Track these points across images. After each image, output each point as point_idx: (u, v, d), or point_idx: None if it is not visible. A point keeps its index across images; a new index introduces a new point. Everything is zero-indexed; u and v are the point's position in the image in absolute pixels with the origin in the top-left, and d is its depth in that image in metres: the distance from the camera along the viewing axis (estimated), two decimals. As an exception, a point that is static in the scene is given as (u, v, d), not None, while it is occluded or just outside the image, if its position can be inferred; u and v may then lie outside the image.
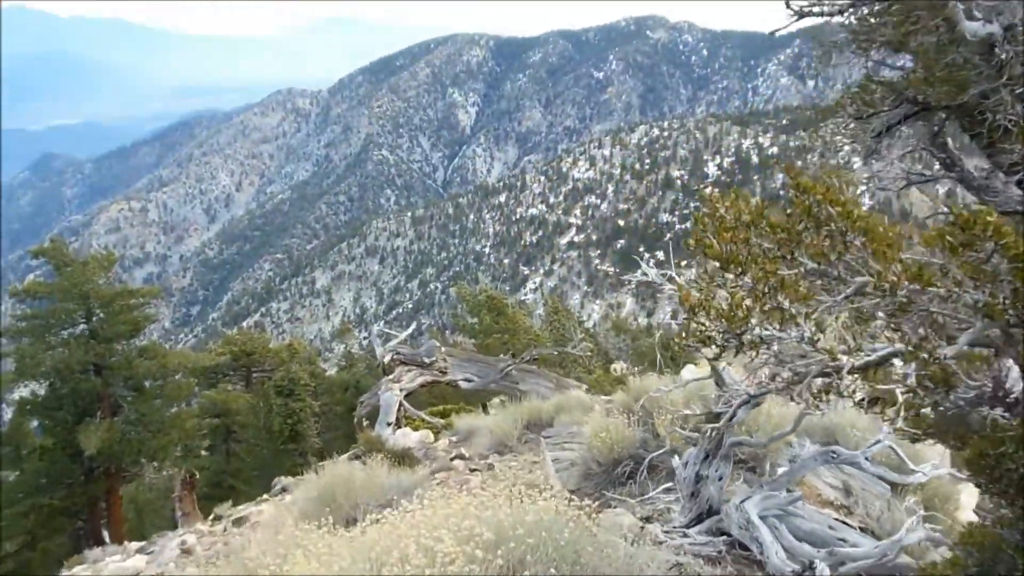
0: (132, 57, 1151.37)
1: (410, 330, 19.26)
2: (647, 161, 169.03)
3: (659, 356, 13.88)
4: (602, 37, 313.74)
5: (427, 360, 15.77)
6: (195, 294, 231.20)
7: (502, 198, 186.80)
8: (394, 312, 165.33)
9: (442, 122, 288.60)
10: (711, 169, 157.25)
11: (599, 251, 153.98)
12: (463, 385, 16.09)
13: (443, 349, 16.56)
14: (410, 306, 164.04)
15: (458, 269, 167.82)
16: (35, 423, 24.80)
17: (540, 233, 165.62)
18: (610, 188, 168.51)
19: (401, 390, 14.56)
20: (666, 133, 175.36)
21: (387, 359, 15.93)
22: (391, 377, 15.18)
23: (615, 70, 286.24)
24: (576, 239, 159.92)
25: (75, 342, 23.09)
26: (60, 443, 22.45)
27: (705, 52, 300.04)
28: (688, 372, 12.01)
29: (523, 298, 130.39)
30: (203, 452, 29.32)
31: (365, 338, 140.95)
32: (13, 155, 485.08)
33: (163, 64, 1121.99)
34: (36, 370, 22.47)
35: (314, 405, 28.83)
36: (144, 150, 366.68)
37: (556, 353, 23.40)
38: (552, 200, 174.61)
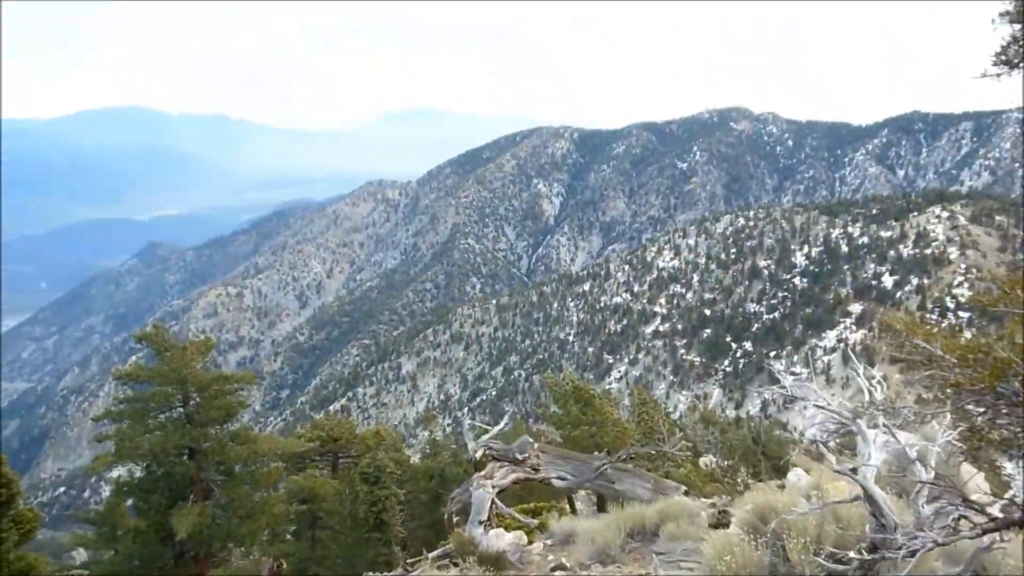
0: (230, 150, 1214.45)
1: (502, 425, 18.86)
2: (732, 251, 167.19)
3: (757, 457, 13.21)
4: (685, 129, 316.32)
5: (520, 456, 15.35)
6: (285, 378, 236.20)
7: (586, 286, 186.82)
8: (478, 399, 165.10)
9: (527, 212, 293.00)
10: (799, 259, 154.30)
11: (685, 340, 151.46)
12: (557, 484, 15.59)
13: (536, 445, 16.12)
14: (494, 393, 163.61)
15: (542, 357, 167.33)
16: (129, 504, 25.12)
17: (624, 322, 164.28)
18: (695, 277, 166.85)
19: (493, 487, 14.16)
20: (752, 223, 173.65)
21: (479, 454, 15.58)
22: (483, 473, 14.81)
23: (699, 161, 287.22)
24: (661, 328, 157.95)
25: (172, 426, 23.45)
26: (153, 525, 22.59)
27: (790, 142, 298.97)
28: (796, 476, 11.20)
29: (608, 387, 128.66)
30: (288, 537, 29.19)
31: (449, 425, 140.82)
32: (123, 244, 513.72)
33: (258, 156, 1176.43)
34: (134, 452, 22.80)
35: (399, 493, 28.47)
36: (241, 239, 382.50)
37: (654, 453, 22.57)
38: (636, 289, 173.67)
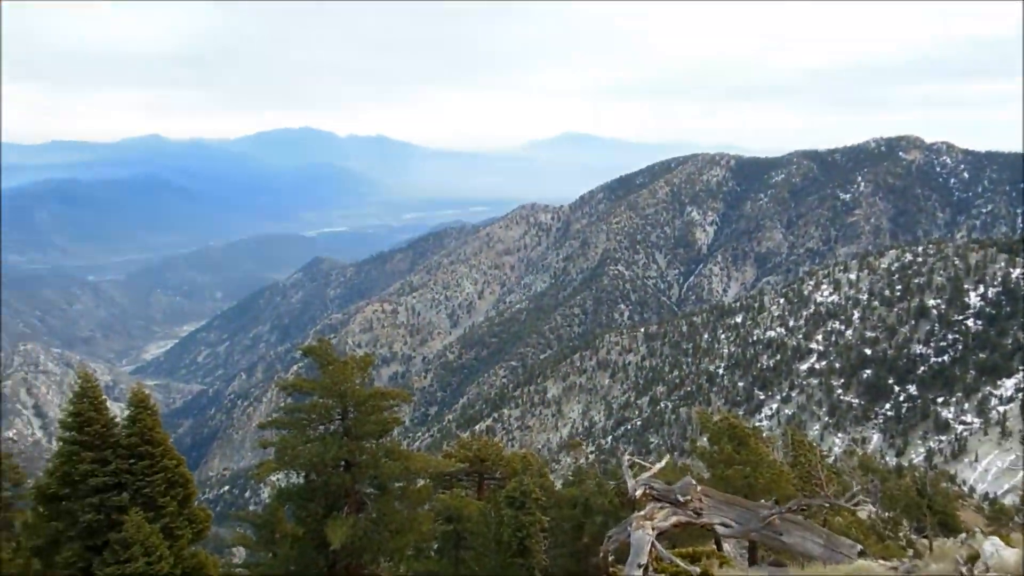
0: (393, 171, 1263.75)
1: (662, 464, 18.16)
2: (898, 288, 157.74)
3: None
4: (849, 158, 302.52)
5: (681, 498, 14.69)
6: (434, 395, 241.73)
7: (738, 319, 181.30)
8: (622, 428, 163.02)
9: (679, 240, 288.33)
10: (973, 299, 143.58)
11: (842, 380, 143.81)
12: (720, 530, 14.80)
13: (699, 488, 15.37)
14: (639, 423, 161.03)
15: (690, 389, 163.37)
16: (288, 509, 26.00)
17: (778, 357, 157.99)
18: (856, 314, 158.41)
19: (653, 529, 13.57)
20: (920, 259, 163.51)
21: (639, 493, 15.01)
22: (642, 513, 14.25)
23: (863, 192, 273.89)
24: (817, 366, 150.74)
25: (330, 438, 24.17)
26: (309, 533, 23.32)
27: (966, 174, 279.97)
28: (992, 547, 10.06)
29: (758, 423, 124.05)
30: (432, 555, 29.43)
31: (592, 452, 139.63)
32: (291, 258, 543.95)
33: (418, 177, 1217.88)
34: (295, 461, 23.64)
35: (543, 520, 28.18)
36: (398, 256, 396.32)
37: (828, 506, 21.15)
38: (792, 324, 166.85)
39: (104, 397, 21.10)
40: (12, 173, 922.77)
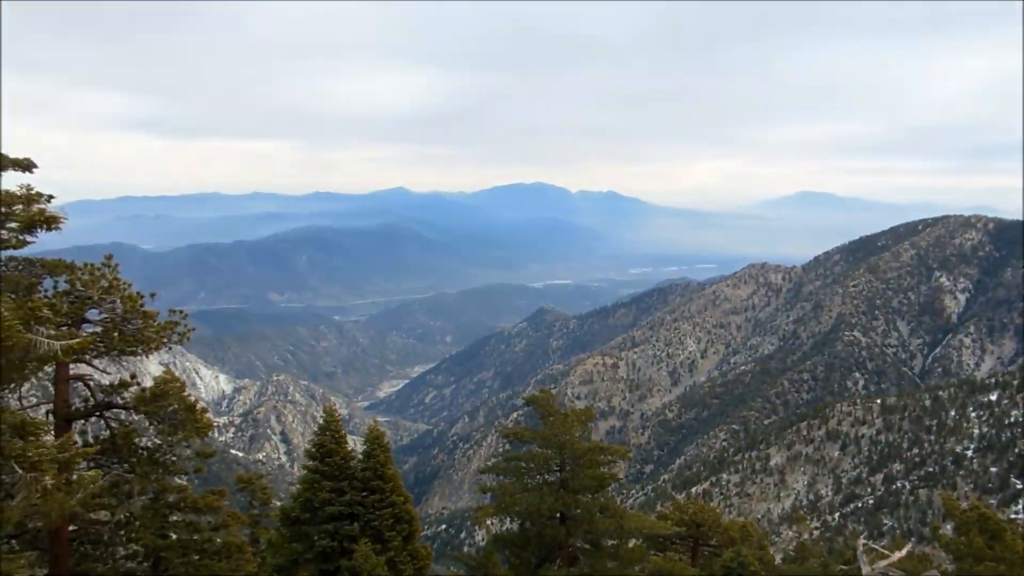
0: (620, 226, 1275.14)
1: (903, 552, 16.83)
2: None
3: None
4: None
5: (918, 591, 13.59)
6: (650, 453, 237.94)
7: (993, 396, 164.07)
8: (851, 505, 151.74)
9: (924, 307, 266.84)
10: None
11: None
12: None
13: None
14: (871, 502, 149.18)
15: (931, 470, 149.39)
16: (502, 555, 26.63)
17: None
18: None
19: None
20: None
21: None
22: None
23: None
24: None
25: (547, 488, 24.58)
26: (521, 581, 23.73)
27: None
28: None
29: (1014, 516, 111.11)
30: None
31: (817, 528, 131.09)
32: (517, 307, 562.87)
33: (644, 234, 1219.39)
34: (512, 508, 24.24)
35: (760, 595, 26.91)
36: (621, 311, 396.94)
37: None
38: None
39: (344, 432, 22.85)
40: (279, 220, 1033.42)
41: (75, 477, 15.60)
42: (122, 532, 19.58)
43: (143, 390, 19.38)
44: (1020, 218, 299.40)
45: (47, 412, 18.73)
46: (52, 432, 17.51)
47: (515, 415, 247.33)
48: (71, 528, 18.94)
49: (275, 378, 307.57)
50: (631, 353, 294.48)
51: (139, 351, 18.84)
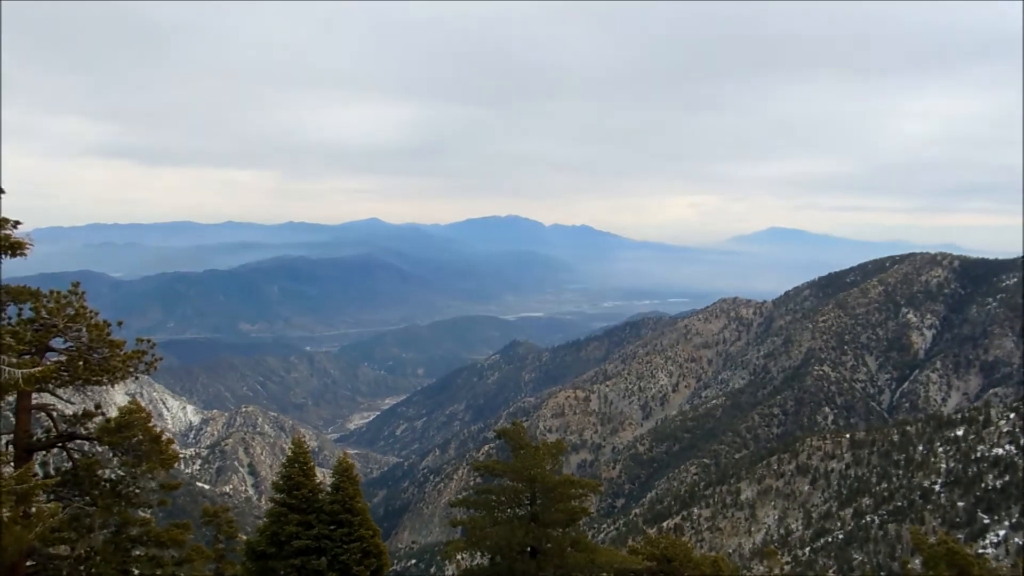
0: (593, 260, 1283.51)
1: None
2: None
3: None
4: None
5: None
6: (621, 486, 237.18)
7: (959, 432, 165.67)
8: (822, 540, 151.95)
9: (892, 343, 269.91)
10: None
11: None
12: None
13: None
14: (840, 536, 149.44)
15: (900, 504, 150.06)
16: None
17: (1007, 478, 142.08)
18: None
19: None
20: None
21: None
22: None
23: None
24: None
25: (518, 522, 24.36)
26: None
27: None
28: None
29: (981, 550, 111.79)
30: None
31: (787, 563, 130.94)
32: (489, 339, 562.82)
33: (617, 267, 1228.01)
34: (482, 542, 23.98)
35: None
36: (593, 344, 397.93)
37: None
38: None
39: (313, 464, 22.52)
40: (252, 250, 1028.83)
41: (34, 510, 15.18)
42: (82, 567, 19.06)
43: (107, 420, 19.01)
44: (984, 256, 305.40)
45: (7, 443, 18.31)
46: (12, 463, 17.09)
47: (487, 448, 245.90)
48: (28, 563, 18.42)
49: (244, 409, 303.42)
50: (603, 386, 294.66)
51: (104, 380, 18.49)
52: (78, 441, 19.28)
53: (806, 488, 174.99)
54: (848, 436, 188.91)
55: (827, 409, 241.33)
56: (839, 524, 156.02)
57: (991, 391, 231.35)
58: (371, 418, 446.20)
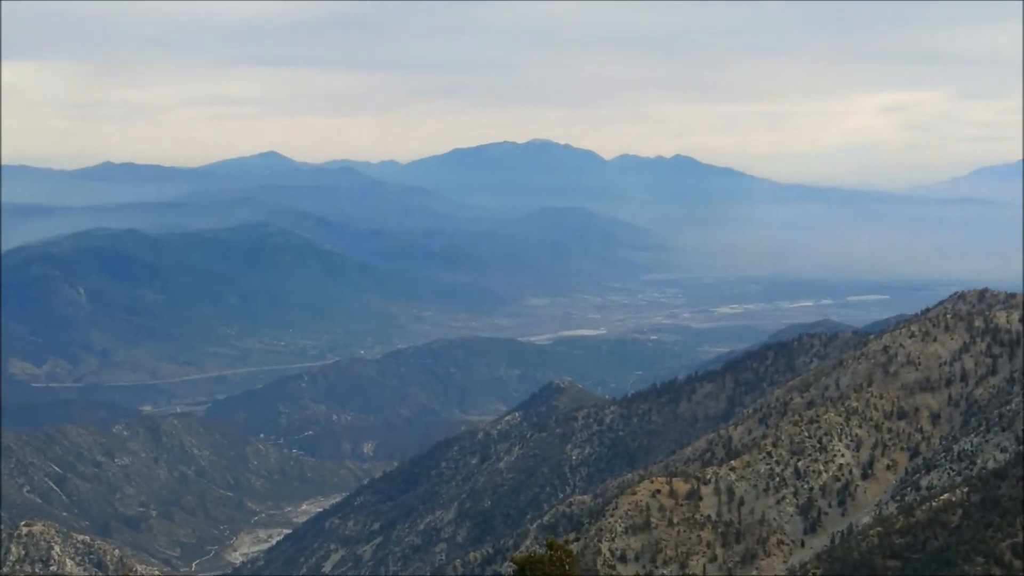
0: (697, 224, 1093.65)
1: None
2: None
3: None
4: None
5: None
6: None
7: None
8: None
9: None
10: None
11: None
12: None
13: None
14: None
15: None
16: None
17: None
18: None
19: None
20: None
21: None
22: None
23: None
24: None
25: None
26: None
27: None
28: None
29: None
30: None
31: None
32: (499, 382, 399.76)
33: (744, 238, 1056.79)
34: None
35: None
36: (705, 388, 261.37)
37: None
38: None
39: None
40: (35, 220, 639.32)
41: None
42: None
43: None
44: None
45: None
46: None
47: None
48: None
49: (23, 530, 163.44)
50: (725, 470, 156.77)
51: None
52: None
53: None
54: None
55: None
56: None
57: None
58: (274, 540, 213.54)
